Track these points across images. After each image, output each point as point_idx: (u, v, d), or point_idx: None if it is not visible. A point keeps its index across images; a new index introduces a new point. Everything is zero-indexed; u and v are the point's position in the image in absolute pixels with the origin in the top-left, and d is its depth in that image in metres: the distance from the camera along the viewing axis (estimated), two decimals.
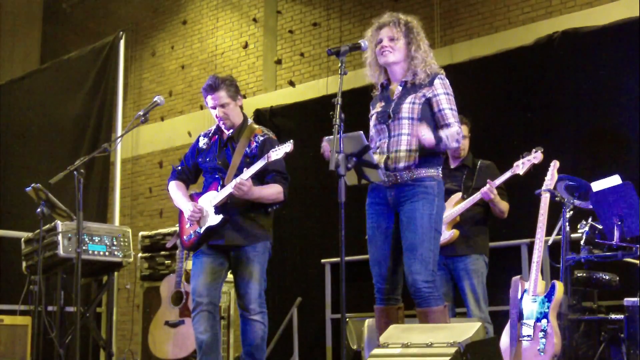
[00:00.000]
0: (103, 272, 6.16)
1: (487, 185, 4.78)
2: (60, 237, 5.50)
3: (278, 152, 4.00)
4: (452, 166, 5.03)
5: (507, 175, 4.79)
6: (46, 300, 5.56)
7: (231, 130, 4.32)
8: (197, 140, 4.47)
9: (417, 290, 3.63)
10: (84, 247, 5.55)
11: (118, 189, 7.15)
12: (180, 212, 4.37)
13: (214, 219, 4.17)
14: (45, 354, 5.63)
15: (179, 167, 4.48)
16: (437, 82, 3.75)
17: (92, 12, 10.82)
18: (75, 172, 4.27)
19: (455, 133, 3.68)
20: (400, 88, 3.81)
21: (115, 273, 6.32)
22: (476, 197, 4.82)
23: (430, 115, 3.73)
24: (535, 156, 4.74)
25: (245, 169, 4.11)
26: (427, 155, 3.71)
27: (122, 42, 7.29)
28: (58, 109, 7.96)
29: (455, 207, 4.86)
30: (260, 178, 4.23)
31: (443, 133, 3.67)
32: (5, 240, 7.00)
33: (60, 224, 5.55)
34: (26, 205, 6.54)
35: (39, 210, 5.28)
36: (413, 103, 3.71)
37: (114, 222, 6.94)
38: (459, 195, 4.91)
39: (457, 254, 4.85)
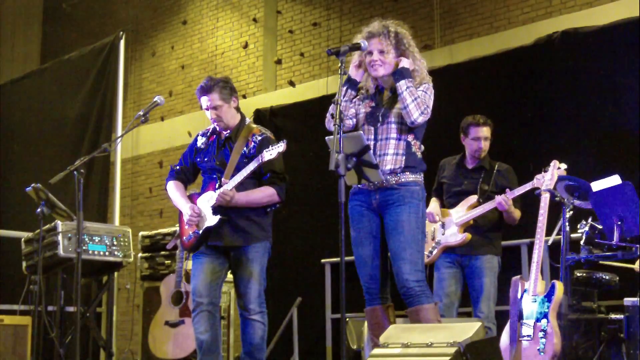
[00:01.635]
0: (103, 272, 6.16)
1: (504, 196, 4.76)
2: (60, 237, 5.50)
3: (272, 152, 4.00)
4: (469, 167, 5.03)
5: (527, 187, 4.74)
6: (46, 300, 5.56)
7: (229, 130, 4.32)
8: (195, 140, 4.46)
9: (408, 290, 3.67)
10: (84, 247, 5.54)
11: (118, 189, 7.15)
12: (180, 213, 4.36)
13: (211, 220, 4.17)
14: (45, 354, 5.63)
15: (177, 167, 4.47)
16: (421, 87, 3.81)
17: (92, 12, 10.80)
18: (75, 172, 4.27)
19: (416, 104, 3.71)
20: (390, 94, 3.86)
21: (115, 273, 6.32)
22: (491, 204, 4.81)
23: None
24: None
25: (243, 169, 4.11)
26: (413, 160, 3.77)
27: (122, 42, 7.28)
28: (58, 109, 7.96)
29: (469, 210, 4.86)
30: (258, 178, 4.24)
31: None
32: (5, 240, 6.99)
33: (60, 224, 5.55)
34: (26, 205, 6.54)
35: (39, 210, 5.28)
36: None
37: (114, 222, 6.94)
38: (474, 198, 4.90)
39: (473, 253, 4.86)
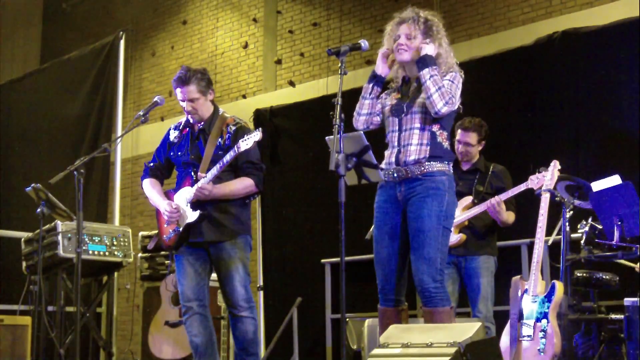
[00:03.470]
0: (103, 272, 6.17)
1: (494, 199, 4.76)
2: (60, 237, 5.51)
3: (248, 142, 3.93)
4: (464, 168, 5.03)
5: (520, 188, 4.75)
6: (46, 300, 5.56)
7: (202, 123, 4.25)
8: (168, 134, 4.38)
9: (424, 290, 3.61)
10: (84, 247, 5.55)
11: (118, 189, 7.15)
12: (157, 212, 4.30)
13: (191, 216, 4.12)
14: (45, 354, 5.63)
15: (151, 164, 4.40)
16: (448, 75, 3.73)
17: (92, 12, 10.80)
18: (75, 172, 4.26)
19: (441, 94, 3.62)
20: (415, 85, 3.80)
21: (115, 273, 6.32)
22: (484, 205, 4.81)
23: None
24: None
25: (219, 161, 4.05)
26: (439, 150, 3.70)
27: (122, 42, 7.29)
28: (58, 109, 7.97)
29: (464, 211, 4.87)
30: (233, 169, 4.17)
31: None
32: (5, 240, 7.00)
33: (60, 224, 5.55)
34: (26, 205, 6.55)
35: (39, 210, 5.28)
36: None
37: (114, 222, 6.94)
38: (469, 199, 4.90)
39: (469, 254, 4.86)
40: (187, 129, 4.32)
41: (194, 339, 4.17)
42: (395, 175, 3.71)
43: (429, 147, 3.67)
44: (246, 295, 4.15)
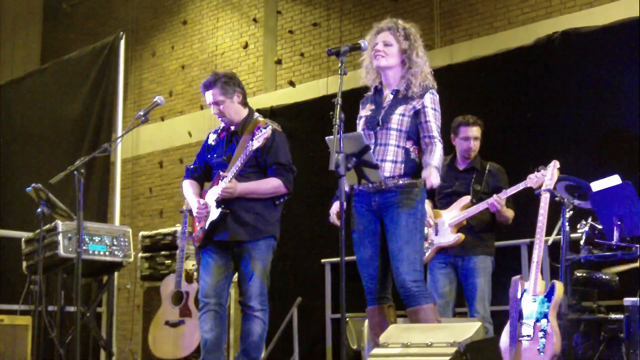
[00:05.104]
0: (103, 272, 6.16)
1: (496, 197, 4.76)
2: (60, 237, 5.50)
3: (259, 139, 4.03)
4: (460, 168, 5.03)
5: (519, 187, 4.76)
6: (46, 300, 5.56)
7: (235, 125, 4.35)
8: (208, 137, 4.52)
9: (406, 290, 3.68)
10: (84, 247, 5.54)
11: (118, 189, 7.15)
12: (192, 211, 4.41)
13: (214, 214, 4.20)
14: (45, 354, 5.63)
15: (192, 166, 4.53)
16: (427, 96, 3.79)
17: (92, 12, 10.81)
18: (75, 172, 4.27)
19: (440, 156, 3.74)
20: (391, 96, 3.84)
21: (116, 273, 6.31)
22: (484, 205, 4.81)
23: (416, 125, 3.78)
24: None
25: (238, 160, 4.14)
26: (411, 167, 3.77)
27: (122, 42, 7.28)
28: (58, 109, 7.96)
29: (462, 211, 4.87)
30: (264, 171, 4.26)
31: (433, 161, 3.70)
32: (5, 240, 7.00)
33: (60, 224, 5.55)
34: (26, 205, 6.54)
35: (39, 210, 5.28)
36: (403, 115, 3.76)
37: (114, 222, 6.93)
38: (467, 198, 4.90)
39: (467, 254, 4.87)
40: (224, 132, 4.43)
41: (204, 335, 4.24)
42: (370, 185, 3.77)
43: (403, 165, 3.75)
44: (260, 298, 4.23)
